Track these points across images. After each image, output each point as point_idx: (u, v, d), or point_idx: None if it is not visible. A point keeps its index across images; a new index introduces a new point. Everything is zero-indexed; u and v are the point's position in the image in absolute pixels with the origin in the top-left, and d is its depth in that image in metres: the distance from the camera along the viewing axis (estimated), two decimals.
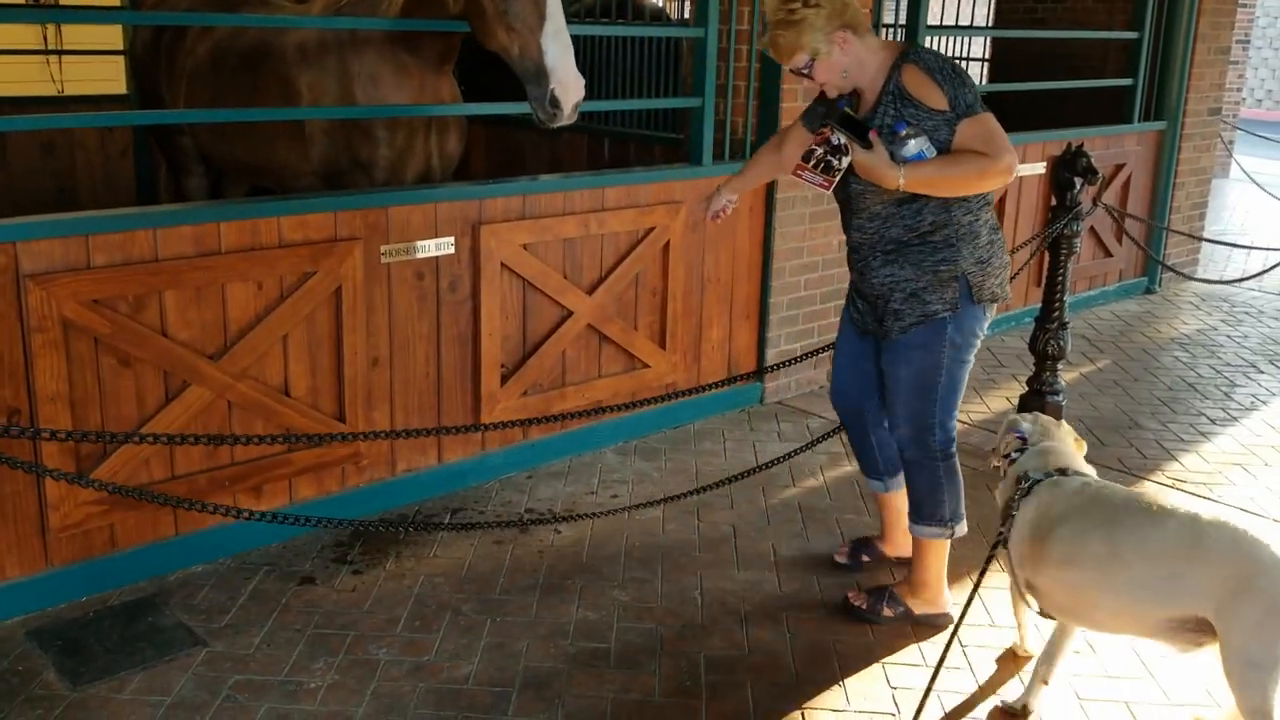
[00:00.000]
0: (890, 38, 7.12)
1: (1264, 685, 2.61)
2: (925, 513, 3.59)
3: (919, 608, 3.66)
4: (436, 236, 4.27)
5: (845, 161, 3.20)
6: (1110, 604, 2.89)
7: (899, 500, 3.87)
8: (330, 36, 4.43)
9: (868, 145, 3.15)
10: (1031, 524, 3.04)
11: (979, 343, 3.49)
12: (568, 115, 3.90)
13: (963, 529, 3.63)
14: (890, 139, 3.17)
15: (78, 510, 3.57)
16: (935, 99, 3.16)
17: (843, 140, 3.18)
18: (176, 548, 3.82)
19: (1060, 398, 4.83)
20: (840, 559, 4.02)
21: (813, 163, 3.24)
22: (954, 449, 3.58)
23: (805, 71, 3.26)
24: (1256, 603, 2.63)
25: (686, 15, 7.25)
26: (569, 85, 3.85)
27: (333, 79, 4.42)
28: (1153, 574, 2.80)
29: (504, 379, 4.59)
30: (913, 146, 3.14)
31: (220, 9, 5.04)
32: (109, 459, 3.60)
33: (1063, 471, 3.13)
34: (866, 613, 3.67)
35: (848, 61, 3.24)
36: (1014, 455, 3.28)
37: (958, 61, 3.40)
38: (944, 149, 3.17)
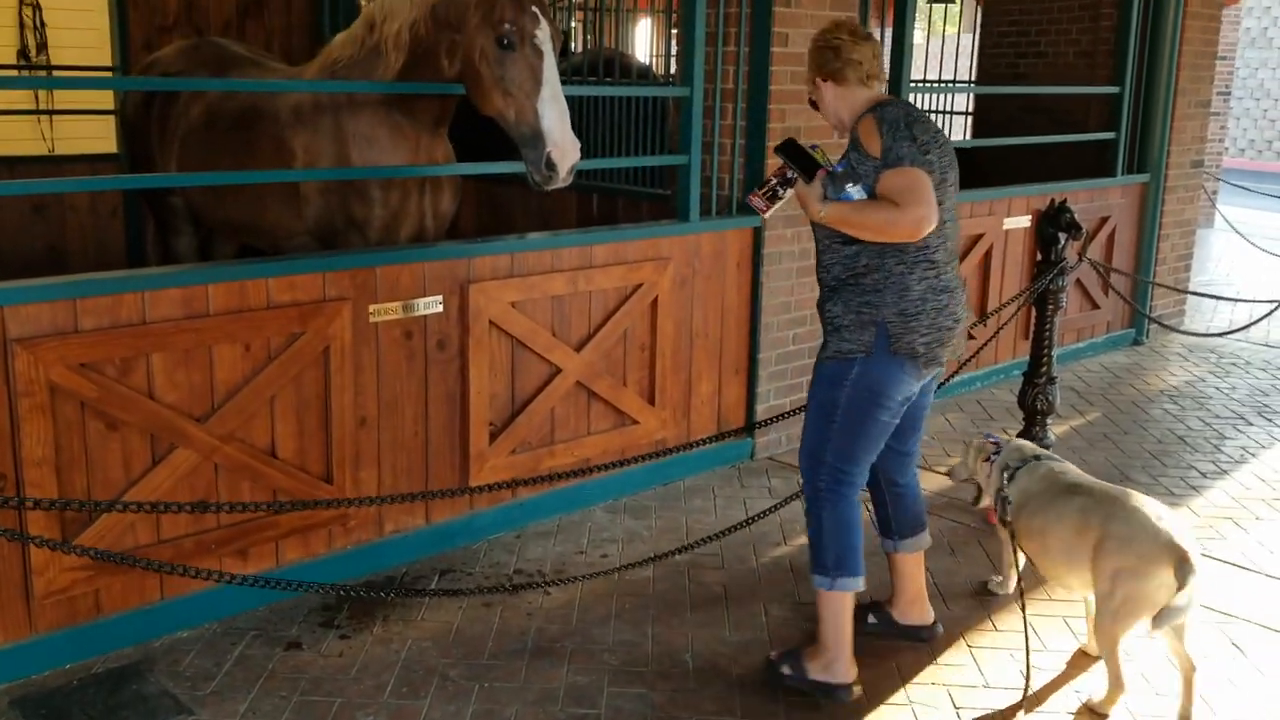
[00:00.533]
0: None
1: (1113, 633, 3.36)
2: (812, 559, 3.55)
3: (814, 672, 3.52)
4: (425, 295, 4.27)
5: (788, 192, 3.44)
6: (1059, 564, 3.64)
7: (906, 564, 3.84)
8: (326, 99, 4.47)
9: (809, 179, 3.39)
10: (1017, 503, 3.78)
11: (898, 399, 3.45)
12: (563, 178, 3.96)
13: (849, 585, 3.47)
14: (831, 179, 3.40)
15: (62, 576, 3.53)
16: (874, 148, 3.32)
17: (793, 174, 3.41)
18: (162, 613, 3.78)
19: (1050, 452, 4.82)
20: None
21: (763, 190, 3.46)
22: (845, 496, 3.50)
23: (812, 102, 3.66)
24: (1108, 564, 3.38)
25: (673, 72, 7.32)
26: (565, 149, 3.92)
27: (328, 140, 4.45)
28: (1066, 540, 3.57)
29: (492, 437, 4.58)
30: (847, 188, 3.35)
31: (214, 72, 5.08)
32: (94, 524, 3.57)
33: (1036, 458, 3.89)
34: (775, 668, 3.61)
35: (829, 106, 3.57)
36: (993, 456, 4.00)
37: (927, 117, 3.46)
38: (874, 196, 3.34)
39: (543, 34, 3.98)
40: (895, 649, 3.84)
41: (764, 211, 3.48)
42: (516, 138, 4.02)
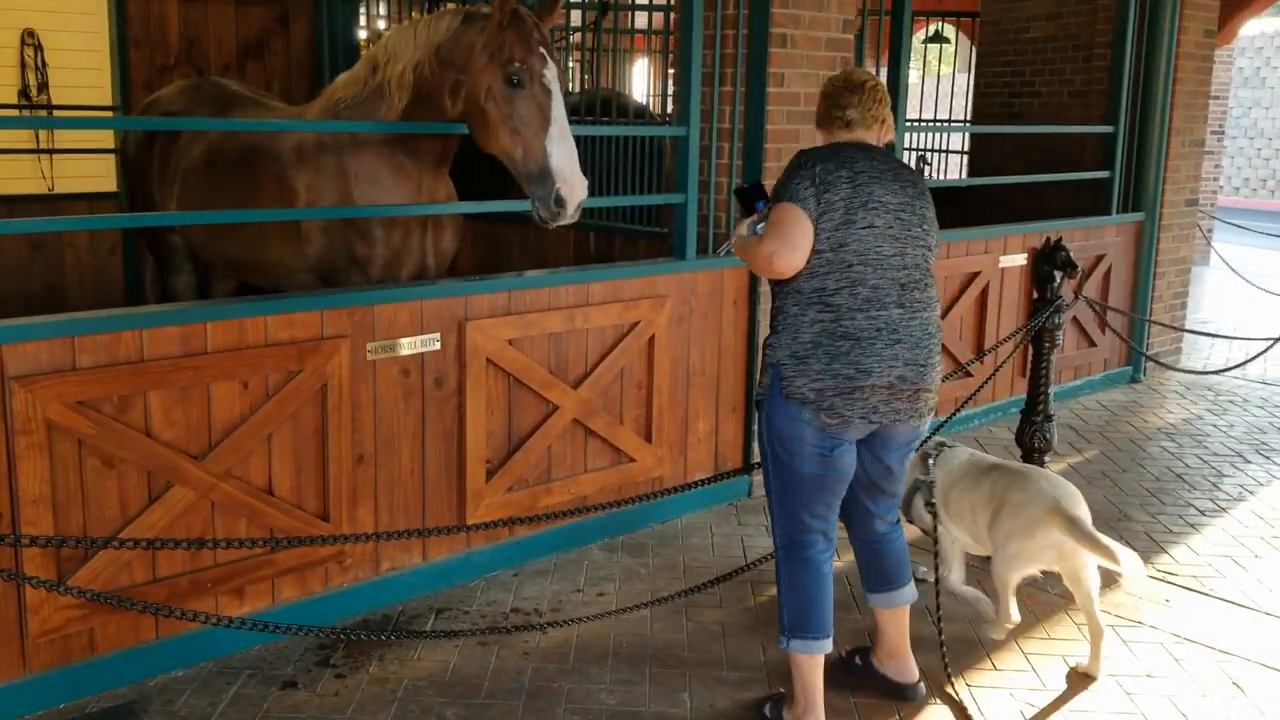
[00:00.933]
0: None
1: (1005, 579, 3.95)
2: (778, 614, 3.49)
3: None
4: (423, 333, 4.28)
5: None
6: (985, 536, 4.04)
7: (883, 619, 3.72)
8: (328, 138, 4.50)
9: (750, 213, 3.49)
10: (943, 486, 4.15)
11: (810, 448, 3.29)
12: (570, 215, 4.01)
13: (803, 648, 3.39)
14: (762, 216, 3.43)
15: (57, 615, 3.51)
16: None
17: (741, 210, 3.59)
18: (157, 652, 3.76)
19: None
20: (841, 651, 3.89)
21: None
22: (797, 556, 3.41)
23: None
24: (999, 531, 3.96)
25: (670, 112, 7.37)
26: (574, 186, 3.97)
27: (331, 179, 4.48)
28: (979, 516, 4.05)
29: (489, 475, 4.57)
30: (761, 224, 3.39)
31: (215, 111, 5.12)
32: (90, 562, 3.56)
33: (951, 446, 4.29)
34: (758, 709, 3.61)
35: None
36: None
37: (865, 159, 3.34)
38: None
39: (550, 73, 4.04)
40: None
41: (718, 241, 3.61)
42: (523, 175, 4.05)
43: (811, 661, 3.42)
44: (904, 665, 3.74)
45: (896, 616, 3.70)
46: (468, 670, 3.86)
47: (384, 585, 4.32)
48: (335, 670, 3.83)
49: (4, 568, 3.12)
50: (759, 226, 3.39)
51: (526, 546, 4.75)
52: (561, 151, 3.97)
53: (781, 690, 3.67)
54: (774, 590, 4.49)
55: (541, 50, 4.03)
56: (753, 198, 3.52)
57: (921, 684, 3.78)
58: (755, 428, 3.64)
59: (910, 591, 3.70)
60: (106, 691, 3.64)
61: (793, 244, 3.18)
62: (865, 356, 3.23)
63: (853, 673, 3.84)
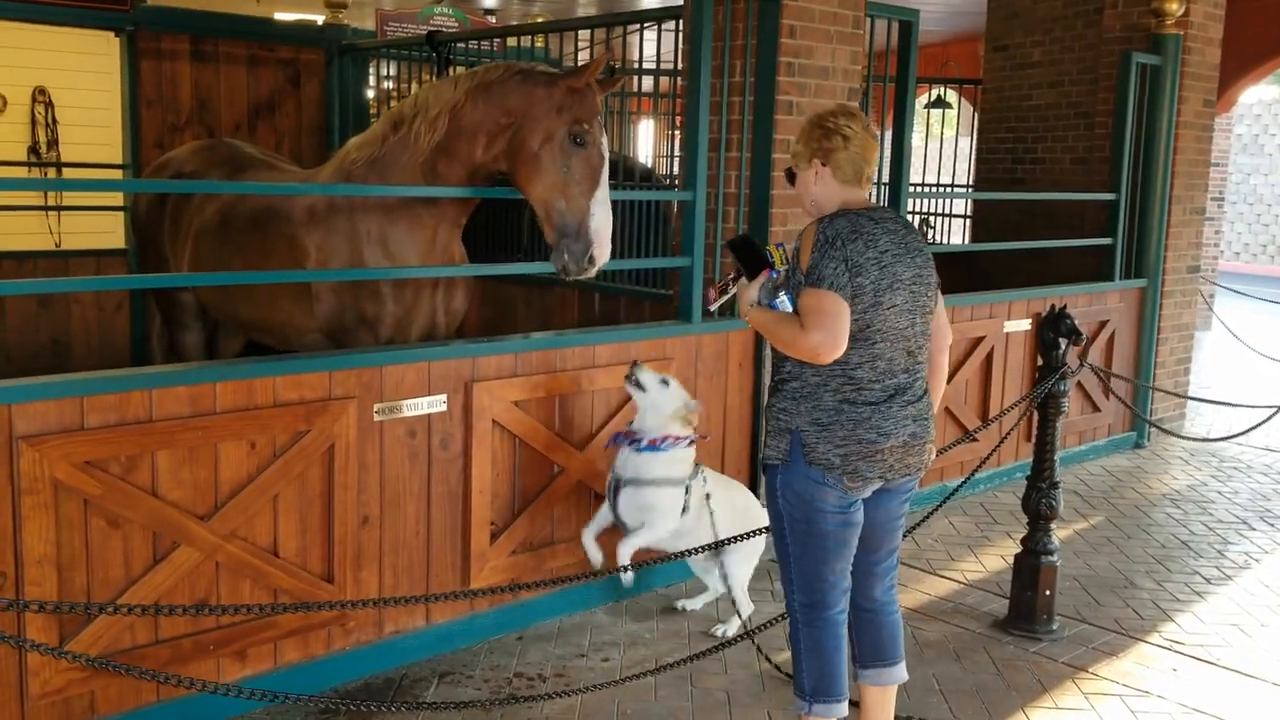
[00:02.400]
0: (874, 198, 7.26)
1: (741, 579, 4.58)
2: (794, 677, 3.48)
3: None
4: (429, 394, 4.29)
5: (734, 288, 3.51)
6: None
7: (869, 698, 3.62)
8: (340, 200, 4.54)
9: (753, 277, 3.43)
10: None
11: (832, 509, 3.31)
12: (594, 272, 4.23)
13: (826, 711, 3.40)
14: (771, 283, 3.41)
15: (58, 677, 3.49)
16: (804, 259, 3.29)
17: (738, 271, 3.49)
18: (158, 715, 3.72)
19: (1055, 558, 4.80)
20: None
21: (720, 282, 3.55)
22: (818, 617, 3.40)
23: (788, 172, 3.53)
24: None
25: (675, 174, 7.44)
26: (606, 247, 4.17)
27: (342, 239, 4.52)
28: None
29: (494, 536, 4.56)
30: (779, 296, 3.35)
31: (228, 172, 5.17)
32: (93, 624, 3.54)
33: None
34: None
35: (814, 193, 3.44)
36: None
37: (886, 230, 3.31)
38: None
39: (606, 144, 4.25)
40: None
41: (710, 302, 3.58)
42: (558, 226, 4.18)
43: None
44: None
45: (886, 696, 3.61)
46: None
47: (387, 648, 4.29)
48: None
49: (6, 632, 3.10)
50: (782, 300, 3.32)
51: (531, 610, 4.72)
52: (603, 215, 4.17)
53: None
54: (780, 656, 4.47)
55: (600, 122, 4.23)
56: (749, 254, 3.46)
57: None
58: (762, 491, 3.62)
59: (902, 670, 3.62)
60: None
61: (838, 337, 3.17)
62: (884, 420, 3.29)
63: None
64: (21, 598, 3.33)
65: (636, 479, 4.42)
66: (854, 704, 3.93)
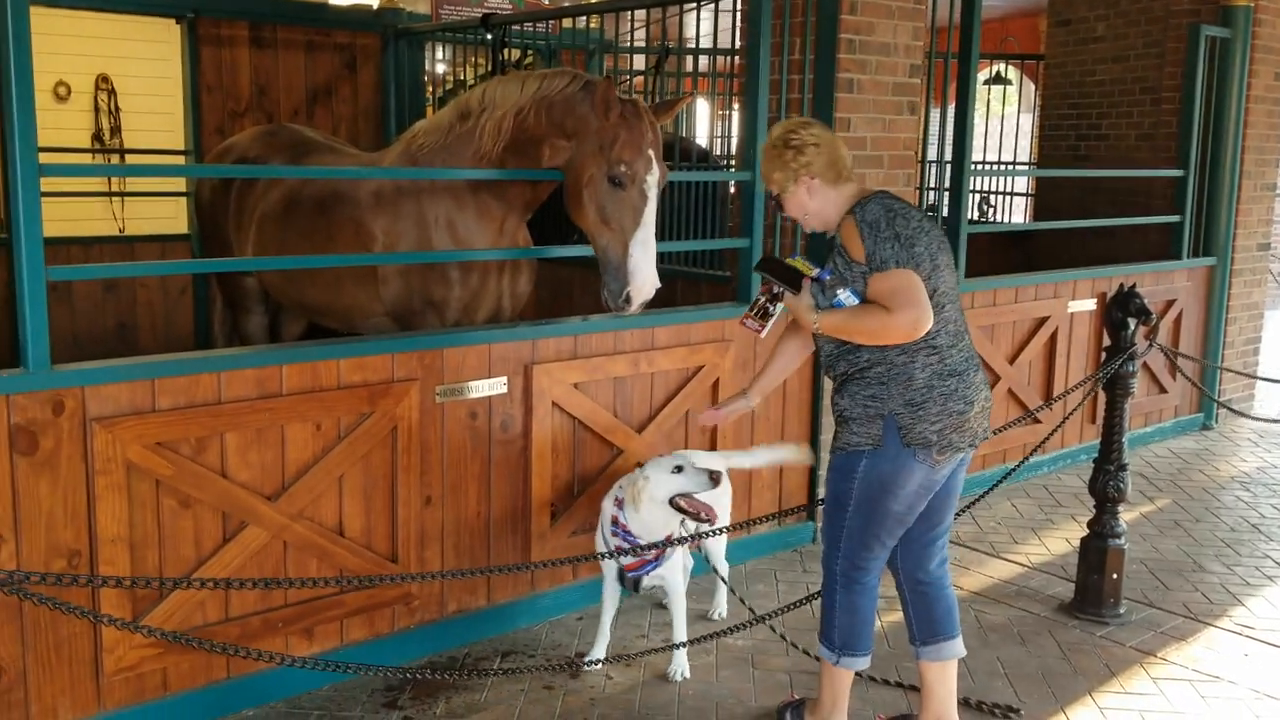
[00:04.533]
0: (934, 178, 7.16)
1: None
2: (822, 629, 3.62)
3: None
4: (490, 376, 4.31)
5: (779, 308, 3.47)
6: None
7: (930, 674, 3.64)
8: (407, 183, 4.56)
9: (796, 290, 3.41)
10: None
11: (911, 490, 3.39)
12: (634, 311, 4.18)
13: (852, 664, 3.58)
14: (820, 286, 3.40)
15: (132, 653, 3.56)
16: (856, 251, 3.32)
17: (780, 288, 3.43)
18: (228, 691, 3.79)
19: (1122, 541, 4.73)
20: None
21: (754, 311, 3.50)
22: (858, 581, 3.52)
23: (775, 199, 3.55)
24: None
25: (732, 155, 7.39)
26: (644, 290, 4.12)
27: (409, 224, 4.54)
28: None
29: (554, 518, 4.58)
30: (839, 294, 3.34)
31: (290, 157, 5.21)
32: (164, 601, 3.61)
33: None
34: (779, 714, 3.83)
35: (813, 205, 3.48)
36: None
37: (908, 205, 3.43)
38: (864, 299, 3.33)
39: (653, 179, 4.13)
40: None
41: (759, 332, 3.53)
42: (600, 260, 4.18)
43: (849, 676, 3.66)
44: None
45: (947, 672, 3.63)
46: (533, 714, 3.85)
47: (450, 627, 4.33)
48: (402, 712, 3.84)
49: (82, 606, 3.16)
50: (845, 297, 3.32)
51: (591, 590, 4.72)
52: (642, 255, 4.11)
53: (798, 697, 3.87)
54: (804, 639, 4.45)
55: (650, 154, 4.12)
56: (781, 270, 3.44)
57: None
58: (824, 472, 3.61)
59: (960, 645, 3.64)
60: None
61: (926, 307, 3.23)
62: (967, 389, 3.38)
63: None
64: (96, 575, 3.39)
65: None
66: (913, 688, 3.93)
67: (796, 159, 3.42)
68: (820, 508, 5.09)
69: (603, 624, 4.21)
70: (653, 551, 3.95)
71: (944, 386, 3.34)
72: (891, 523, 3.45)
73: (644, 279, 4.11)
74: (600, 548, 4.15)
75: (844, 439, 3.45)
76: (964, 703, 3.96)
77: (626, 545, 3.96)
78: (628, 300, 4.11)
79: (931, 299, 3.27)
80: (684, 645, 4.13)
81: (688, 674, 4.14)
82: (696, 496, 3.92)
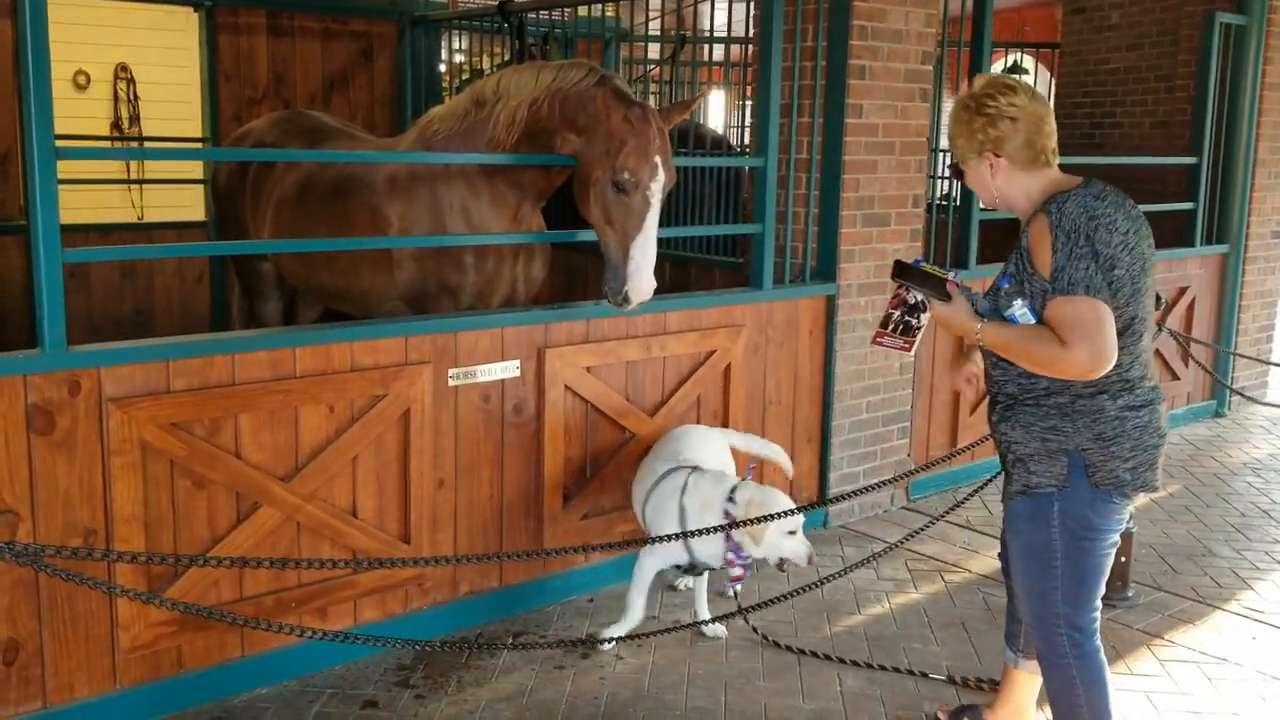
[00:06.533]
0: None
1: None
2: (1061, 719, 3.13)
3: None
4: (503, 360, 4.35)
5: (924, 319, 3.06)
6: None
7: (1019, 678, 3.53)
8: (422, 169, 4.60)
9: (946, 297, 3.00)
10: None
11: (1110, 535, 2.99)
12: (631, 309, 4.25)
13: None
14: (996, 293, 3.00)
15: (148, 631, 3.61)
16: (1043, 262, 2.85)
17: (920, 297, 3.05)
18: (242, 670, 3.84)
19: (1130, 524, 4.74)
20: (942, 715, 3.79)
21: (890, 326, 3.09)
22: (1091, 647, 3.05)
23: (952, 167, 3.16)
24: None
25: (747, 143, 7.41)
26: (642, 290, 4.16)
27: (424, 209, 4.58)
28: None
29: (566, 500, 4.62)
30: (1015, 307, 2.91)
31: (307, 142, 5.25)
32: (180, 580, 3.66)
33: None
34: None
35: (996, 185, 3.05)
36: None
37: (1119, 204, 2.93)
38: (1040, 318, 2.89)
39: (657, 185, 4.15)
40: None
41: (908, 350, 3.09)
42: (604, 256, 4.23)
43: None
44: None
45: (1034, 682, 3.50)
46: (545, 694, 3.89)
47: (462, 608, 4.37)
48: (415, 691, 3.88)
49: (100, 579, 3.21)
50: (1020, 311, 2.89)
51: (602, 572, 4.77)
52: (641, 257, 4.14)
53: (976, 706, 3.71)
54: (850, 620, 4.51)
55: (656, 161, 4.13)
56: (918, 276, 3.04)
57: None
58: (1008, 518, 3.18)
59: None
60: (192, 708, 3.73)
61: (1106, 348, 2.77)
62: (1158, 419, 2.98)
63: None
64: (112, 550, 3.44)
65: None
66: (994, 682, 3.91)
67: (986, 130, 2.97)
68: (832, 499, 5.10)
69: (641, 603, 4.26)
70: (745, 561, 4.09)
71: (1136, 419, 2.92)
72: (1105, 568, 3.02)
73: (642, 280, 4.15)
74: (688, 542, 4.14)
75: (1022, 479, 3.02)
76: (951, 680, 4.04)
77: (738, 559, 4.07)
78: (625, 300, 4.16)
79: (1129, 328, 2.88)
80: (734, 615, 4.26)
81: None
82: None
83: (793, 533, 3.97)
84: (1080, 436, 2.92)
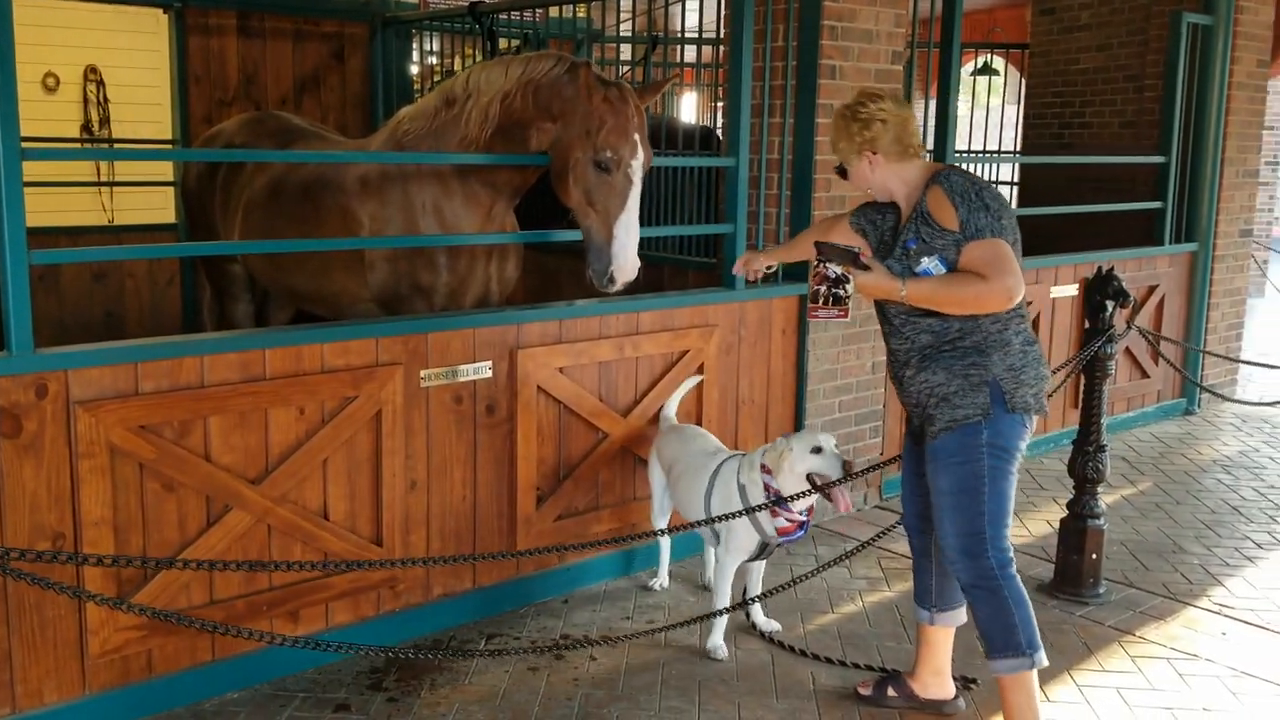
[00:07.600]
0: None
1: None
2: (997, 645, 3.42)
3: None
4: (475, 361, 4.33)
5: (850, 288, 3.36)
6: None
7: (938, 636, 3.79)
8: (393, 169, 4.58)
9: (864, 268, 3.33)
10: None
11: (1020, 456, 3.41)
12: (617, 289, 4.28)
13: (1043, 659, 3.42)
14: (904, 255, 3.38)
15: (117, 635, 3.58)
16: (948, 220, 3.29)
17: (839, 271, 3.34)
18: (213, 674, 3.81)
19: (1101, 521, 4.77)
20: (864, 691, 3.91)
21: (821, 301, 3.37)
22: (1012, 568, 3.41)
23: (837, 169, 3.60)
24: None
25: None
26: (627, 270, 4.20)
27: (395, 209, 4.56)
28: None
29: (539, 501, 4.61)
30: (924, 263, 3.32)
31: (277, 143, 5.22)
32: (149, 584, 3.63)
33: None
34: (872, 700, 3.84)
35: (874, 179, 3.51)
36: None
37: (990, 186, 3.41)
38: (953, 268, 3.30)
39: (637, 163, 4.20)
40: None
41: (845, 316, 3.37)
42: (586, 241, 4.26)
43: (1035, 680, 3.48)
44: (948, 683, 3.84)
45: (949, 636, 3.82)
46: (518, 695, 3.88)
47: (435, 611, 4.35)
48: (388, 694, 3.86)
49: (67, 585, 3.18)
50: (933, 265, 3.30)
51: (576, 573, 4.77)
52: (625, 237, 4.19)
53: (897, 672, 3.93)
54: (824, 619, 4.51)
55: (635, 139, 4.17)
56: (836, 250, 3.35)
57: (961, 699, 3.85)
58: (933, 460, 3.47)
59: (965, 612, 3.75)
60: (163, 712, 3.70)
61: (1019, 274, 3.24)
62: (1041, 353, 3.46)
63: (889, 704, 3.86)
64: (80, 553, 3.41)
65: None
66: (970, 679, 4.02)
67: (862, 132, 3.43)
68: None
69: (726, 603, 4.22)
70: (802, 517, 4.06)
71: (1033, 350, 3.41)
72: (1013, 493, 3.43)
73: (626, 260, 4.19)
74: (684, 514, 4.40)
75: (948, 415, 3.37)
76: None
77: (772, 504, 4.00)
78: (611, 280, 4.19)
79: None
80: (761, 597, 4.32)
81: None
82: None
83: (818, 450, 3.94)
84: (996, 368, 3.34)
